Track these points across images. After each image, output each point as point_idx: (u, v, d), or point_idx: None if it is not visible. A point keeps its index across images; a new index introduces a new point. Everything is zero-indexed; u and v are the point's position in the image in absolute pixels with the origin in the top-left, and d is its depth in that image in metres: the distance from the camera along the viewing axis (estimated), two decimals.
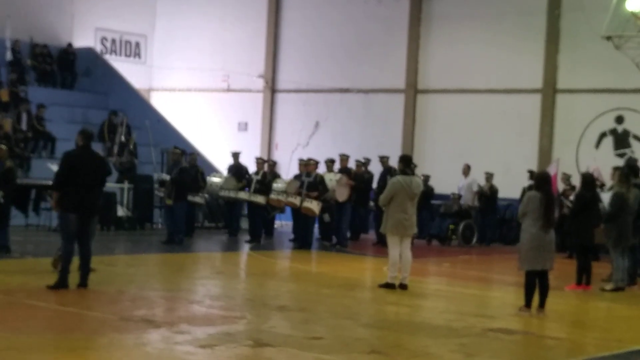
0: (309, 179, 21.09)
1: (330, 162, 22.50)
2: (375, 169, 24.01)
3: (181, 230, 20.68)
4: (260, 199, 21.91)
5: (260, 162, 22.75)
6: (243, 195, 22.21)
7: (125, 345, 9.50)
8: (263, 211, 22.45)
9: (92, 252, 13.21)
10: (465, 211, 24.35)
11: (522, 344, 11.12)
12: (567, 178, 23.34)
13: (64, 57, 29.89)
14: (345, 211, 21.84)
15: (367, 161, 24.05)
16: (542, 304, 12.75)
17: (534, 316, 12.59)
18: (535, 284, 12.71)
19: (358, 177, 23.19)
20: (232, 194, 22.44)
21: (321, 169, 22.28)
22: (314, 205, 20.82)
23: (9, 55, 27.97)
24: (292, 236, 22.60)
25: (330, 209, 22.04)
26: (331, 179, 21.49)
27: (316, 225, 22.06)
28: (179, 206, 20.60)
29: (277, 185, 21.85)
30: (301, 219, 21.32)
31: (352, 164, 23.74)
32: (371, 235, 24.18)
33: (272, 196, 21.60)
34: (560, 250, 19.38)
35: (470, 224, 24.21)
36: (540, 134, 26.71)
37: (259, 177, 22.18)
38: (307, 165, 21.51)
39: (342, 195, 21.42)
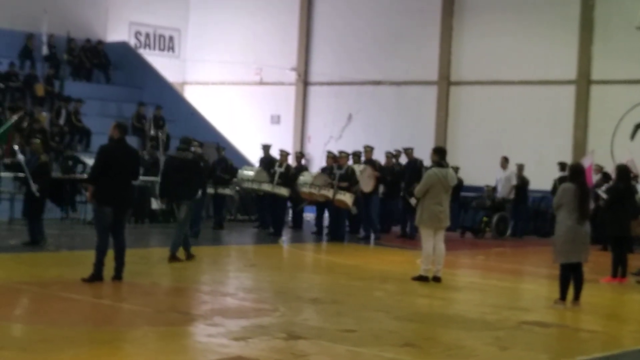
0: (341, 172, 21.07)
1: (356, 156, 22.52)
2: (402, 161, 23.87)
3: (198, 223, 20.52)
4: (283, 191, 21.85)
5: (283, 154, 22.63)
6: (266, 187, 22.10)
7: (159, 338, 9.56)
8: (285, 203, 22.40)
9: (126, 245, 13.29)
10: (499, 203, 24.23)
11: (556, 336, 11.07)
12: (600, 169, 23.15)
13: (96, 52, 30.03)
14: (373, 202, 21.77)
15: (398, 153, 23.96)
16: (577, 297, 12.67)
17: (568, 309, 12.51)
18: (570, 277, 12.63)
19: (387, 170, 23.09)
20: (255, 186, 22.34)
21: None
22: (347, 198, 20.80)
23: (45, 50, 28.14)
24: (315, 229, 22.58)
25: (357, 201, 22.03)
26: (356, 169, 21.44)
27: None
28: (199, 199, 20.38)
29: (304, 178, 21.72)
30: (333, 211, 21.30)
31: (381, 156, 23.65)
32: (398, 227, 24.06)
33: (304, 189, 21.57)
34: (594, 242, 19.28)
35: (504, 216, 24.10)
36: (575, 126, 26.54)
37: (282, 169, 22.10)
38: (339, 158, 21.48)
39: (367, 185, 21.36)
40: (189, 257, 15.92)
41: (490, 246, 21.99)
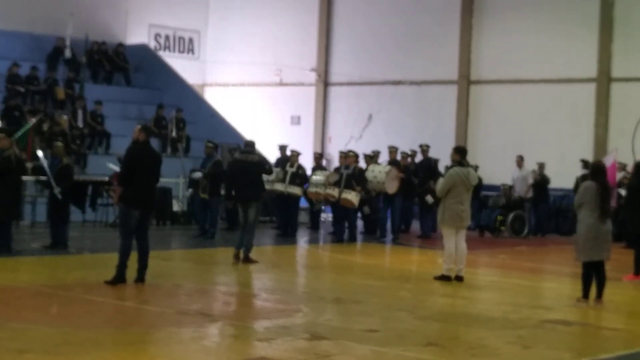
0: (348, 171, 20.99)
1: (369, 157, 22.53)
2: (416, 158, 23.77)
3: (215, 225, 20.63)
4: (296, 191, 21.81)
5: (294, 154, 22.54)
6: (279, 186, 22.07)
7: (182, 339, 9.59)
8: (298, 203, 22.42)
9: (150, 248, 13.35)
10: (515, 202, 24.12)
11: (579, 335, 11.05)
12: (622, 167, 23.05)
13: (116, 55, 30.14)
14: (396, 203, 21.75)
15: (414, 153, 23.92)
16: (599, 295, 12.64)
17: (591, 307, 12.49)
18: (592, 275, 12.60)
19: (405, 169, 23.02)
20: (268, 186, 22.28)
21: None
22: (352, 197, 20.70)
23: (67, 53, 28.24)
24: (332, 229, 22.60)
25: (370, 201, 22.03)
26: (381, 170, 21.38)
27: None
28: (214, 200, 20.52)
29: (317, 177, 21.69)
30: (339, 211, 21.27)
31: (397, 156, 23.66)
32: (414, 226, 24.02)
33: (310, 189, 21.54)
34: (617, 239, 19.20)
35: (520, 215, 23.94)
36: (596, 124, 26.43)
37: (294, 169, 22.03)
38: (347, 158, 21.44)
39: (392, 187, 21.30)
40: (243, 260, 16.06)
41: (510, 245, 21.91)
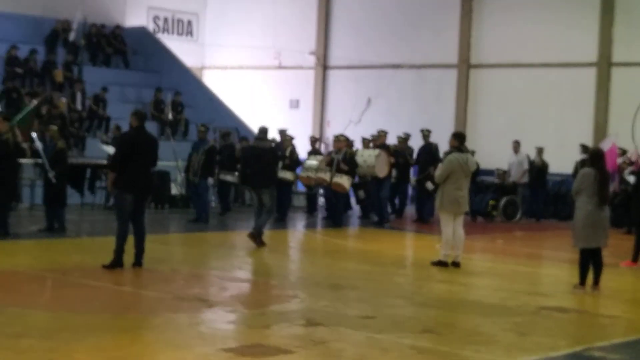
0: (338, 156, 20.86)
1: (367, 141, 22.51)
2: (416, 143, 23.73)
3: (205, 209, 20.63)
4: (288, 175, 21.69)
5: (288, 138, 22.41)
6: None
7: (179, 325, 9.60)
8: (290, 188, 22.40)
9: (146, 231, 13.35)
10: (508, 187, 24.06)
11: (576, 322, 11.05)
12: (622, 153, 23.02)
13: (113, 37, 30.05)
14: (385, 187, 21.69)
15: (408, 136, 23.84)
16: (596, 282, 12.66)
17: (588, 294, 12.50)
18: (589, 262, 12.60)
19: (399, 153, 22.96)
20: None
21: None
22: (344, 181, 20.58)
23: (72, 36, 28.12)
24: (325, 214, 22.54)
25: (365, 186, 21.96)
26: (370, 154, 21.32)
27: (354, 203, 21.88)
28: (203, 184, 20.50)
29: (310, 162, 21.60)
30: (331, 195, 21.22)
31: (393, 140, 23.55)
32: (409, 210, 23.97)
33: (302, 174, 21.46)
34: (616, 225, 19.19)
35: (512, 200, 23.85)
36: (596, 109, 26.37)
37: (286, 153, 21.93)
38: (337, 142, 21.35)
39: (382, 171, 21.23)
40: (254, 238, 16.24)
41: (503, 230, 21.85)
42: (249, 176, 16.74)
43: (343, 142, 21.24)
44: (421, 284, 13.35)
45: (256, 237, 16.21)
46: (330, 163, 20.69)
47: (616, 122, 25.59)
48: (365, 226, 21.63)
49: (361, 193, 22.16)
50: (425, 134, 23.13)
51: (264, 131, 17.02)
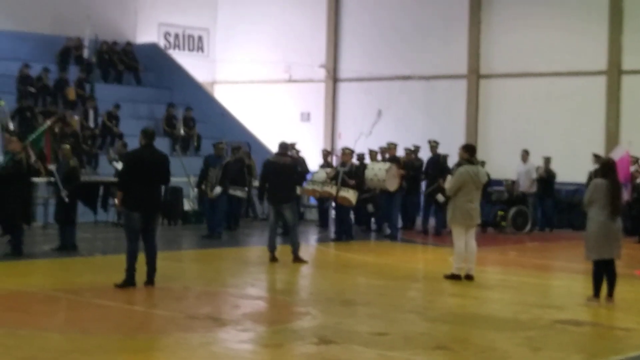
0: (344, 169, 20.71)
1: (374, 152, 22.47)
2: (426, 155, 23.61)
3: (221, 224, 20.65)
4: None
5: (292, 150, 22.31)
6: None
7: (190, 345, 9.58)
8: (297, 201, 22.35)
9: (157, 249, 13.35)
10: (517, 197, 23.95)
11: (590, 335, 10.98)
12: (635, 161, 22.92)
13: (124, 54, 30.15)
14: (396, 201, 21.61)
15: (417, 148, 23.78)
16: (610, 293, 12.58)
17: (602, 306, 12.43)
18: (603, 273, 12.53)
19: (408, 165, 22.87)
20: None
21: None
22: (350, 195, 20.40)
23: (86, 54, 28.20)
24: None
25: (373, 199, 21.89)
26: (381, 168, 21.24)
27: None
28: (221, 200, 20.50)
29: (318, 175, 21.47)
30: (337, 209, 21.09)
31: (401, 152, 23.46)
32: (418, 223, 23.85)
33: (307, 186, 21.30)
34: (629, 234, 19.12)
35: (522, 210, 23.72)
36: (607, 117, 26.27)
37: None
38: (343, 155, 21.22)
39: (392, 185, 21.13)
40: (293, 260, 16.42)
41: (514, 241, 21.74)
42: (269, 192, 16.80)
43: (348, 154, 21.12)
44: (434, 298, 13.30)
45: (298, 256, 16.41)
46: (336, 176, 20.56)
47: (628, 131, 25.51)
48: (378, 239, 21.56)
49: (370, 207, 22.08)
50: (433, 145, 23.03)
51: (284, 146, 17.05)
